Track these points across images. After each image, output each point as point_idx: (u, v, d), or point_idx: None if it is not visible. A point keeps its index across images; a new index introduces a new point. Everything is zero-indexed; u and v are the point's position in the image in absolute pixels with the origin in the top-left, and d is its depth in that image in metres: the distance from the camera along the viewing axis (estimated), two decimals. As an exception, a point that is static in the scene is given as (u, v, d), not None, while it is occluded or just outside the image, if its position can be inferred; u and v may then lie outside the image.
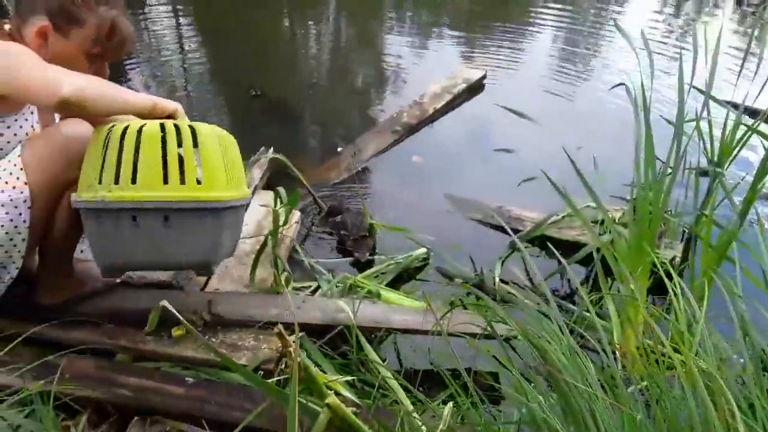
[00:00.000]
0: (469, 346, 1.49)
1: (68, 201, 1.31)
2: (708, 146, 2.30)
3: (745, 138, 2.29)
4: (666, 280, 1.42)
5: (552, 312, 1.17)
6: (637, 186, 1.83)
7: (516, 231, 2.16)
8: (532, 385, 1.10)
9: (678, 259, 1.95)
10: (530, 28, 4.65)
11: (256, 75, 3.51)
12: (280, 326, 1.04)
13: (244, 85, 3.32)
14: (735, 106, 2.17)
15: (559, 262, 2.09)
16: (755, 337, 1.17)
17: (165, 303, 1.45)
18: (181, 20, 4.41)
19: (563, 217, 2.14)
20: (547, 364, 0.90)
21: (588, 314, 1.69)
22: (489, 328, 1.33)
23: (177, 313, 1.17)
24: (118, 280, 1.63)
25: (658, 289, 1.75)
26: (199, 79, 3.63)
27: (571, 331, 1.38)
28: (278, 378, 1.38)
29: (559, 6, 5.14)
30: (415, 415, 1.24)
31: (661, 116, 2.16)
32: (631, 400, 0.90)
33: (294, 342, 1.02)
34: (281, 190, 1.87)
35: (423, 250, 2.02)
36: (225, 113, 3.26)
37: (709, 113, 2.23)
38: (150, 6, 4.41)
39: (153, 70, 3.58)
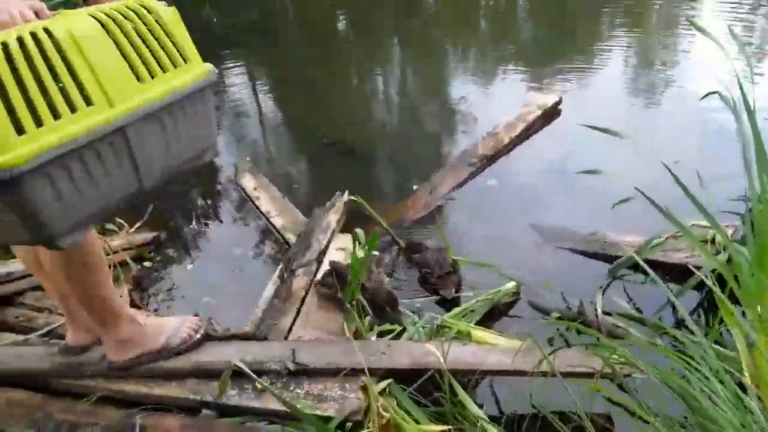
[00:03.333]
0: (575, 389, 1.34)
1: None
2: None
3: None
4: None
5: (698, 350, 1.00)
6: (753, 198, 1.63)
7: (614, 258, 1.98)
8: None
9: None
10: (599, 44, 4.48)
11: (327, 124, 3.55)
12: (364, 379, 0.94)
13: (317, 134, 3.35)
14: None
15: (669, 289, 1.89)
16: None
17: (244, 358, 1.41)
18: (255, 73, 4.58)
19: (667, 238, 1.94)
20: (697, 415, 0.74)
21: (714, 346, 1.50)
22: (607, 368, 1.17)
23: (249, 371, 1.09)
24: (198, 336, 1.57)
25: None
26: (274, 131, 3.71)
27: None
28: (368, 430, 1.28)
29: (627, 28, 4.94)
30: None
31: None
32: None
33: (379, 394, 0.92)
34: (359, 231, 1.81)
35: (512, 284, 1.88)
36: (299, 162, 3.29)
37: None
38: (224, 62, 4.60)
39: (228, 122, 3.71)
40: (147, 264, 2.32)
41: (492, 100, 3.73)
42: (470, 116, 3.53)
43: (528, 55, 4.42)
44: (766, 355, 1.45)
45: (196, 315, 1.64)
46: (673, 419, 0.99)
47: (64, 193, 1.02)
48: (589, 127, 2.08)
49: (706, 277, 1.64)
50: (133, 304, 2.05)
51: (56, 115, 1.00)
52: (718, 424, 0.75)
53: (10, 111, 0.95)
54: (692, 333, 1.58)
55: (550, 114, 3.14)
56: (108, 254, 2.23)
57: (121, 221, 2.46)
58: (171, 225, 2.63)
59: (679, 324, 1.74)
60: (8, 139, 0.94)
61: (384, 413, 0.85)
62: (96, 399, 1.43)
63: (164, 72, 1.14)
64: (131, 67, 1.10)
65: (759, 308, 1.47)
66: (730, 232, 1.93)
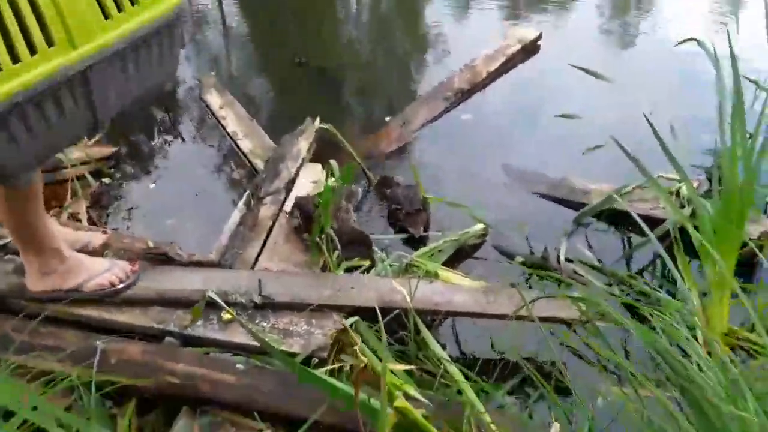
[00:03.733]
0: (534, 336, 1.38)
1: None
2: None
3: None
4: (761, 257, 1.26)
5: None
6: (724, 153, 1.64)
7: (582, 205, 2.00)
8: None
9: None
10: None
11: (299, 42, 3.38)
12: (344, 323, 0.93)
13: (288, 53, 3.20)
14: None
15: (629, 240, 1.94)
16: None
17: (210, 287, 1.39)
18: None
19: (634, 188, 1.96)
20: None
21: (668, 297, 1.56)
22: (583, 315, 1.20)
23: (224, 305, 1.08)
24: (121, 286, 1.47)
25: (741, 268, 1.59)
26: (241, 46, 3.52)
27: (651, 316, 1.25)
28: (332, 366, 1.30)
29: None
30: (482, 410, 1.13)
31: (744, 76, 1.92)
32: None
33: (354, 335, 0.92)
34: (334, 163, 1.76)
35: (480, 226, 1.89)
36: (269, 81, 3.15)
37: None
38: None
39: (194, 37, 3.50)
40: (106, 180, 2.23)
41: (468, 32, 3.60)
42: (445, 47, 3.42)
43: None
44: (719, 309, 1.52)
45: (134, 264, 1.53)
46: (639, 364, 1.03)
47: (19, 139, 0.98)
48: (574, 67, 2.04)
49: (672, 229, 1.69)
50: (91, 222, 1.99)
51: (15, 59, 0.93)
52: (694, 381, 0.78)
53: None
54: (647, 284, 1.65)
55: (530, 49, 3.07)
56: (65, 168, 2.14)
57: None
58: (132, 140, 2.51)
59: (639, 273, 1.79)
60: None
61: (362, 357, 0.85)
62: (53, 321, 1.40)
63: (132, 4, 1.05)
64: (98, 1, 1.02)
65: (716, 264, 1.52)
66: (696, 185, 1.97)
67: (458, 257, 1.83)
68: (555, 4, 3.85)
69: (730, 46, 1.74)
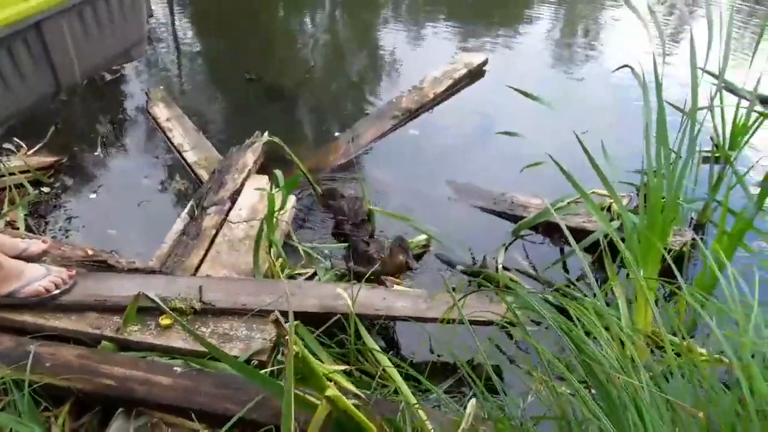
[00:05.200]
0: (472, 336, 1.42)
1: None
2: (720, 132, 2.23)
3: (756, 124, 2.23)
4: (675, 269, 1.35)
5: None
6: (649, 172, 1.76)
7: (520, 218, 2.08)
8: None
9: (689, 246, 1.87)
10: (529, 12, 4.56)
11: (251, 60, 3.42)
12: (277, 313, 0.95)
13: (239, 69, 3.23)
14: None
15: (562, 250, 2.03)
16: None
17: (148, 293, 1.38)
18: (175, 6, 4.30)
19: (568, 203, 2.06)
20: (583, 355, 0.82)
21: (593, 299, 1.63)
22: (511, 313, 1.25)
23: (161, 304, 1.08)
24: (57, 292, 1.45)
25: (665, 275, 1.69)
26: (191, 60, 3.53)
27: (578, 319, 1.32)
28: (272, 368, 1.31)
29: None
30: (417, 405, 1.16)
31: (667, 102, 2.06)
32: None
33: (287, 328, 0.94)
34: (278, 173, 1.79)
35: (423, 237, 1.95)
36: (220, 97, 3.16)
37: (722, 100, 2.16)
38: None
39: (144, 55, 3.48)
40: (45, 190, 2.19)
41: (419, 55, 3.72)
42: (396, 68, 3.52)
43: (459, 14, 4.41)
44: (642, 312, 1.61)
45: (70, 270, 1.51)
46: (561, 360, 1.08)
47: None
48: (514, 89, 2.14)
49: (598, 240, 1.78)
50: (29, 231, 1.94)
51: None
52: (600, 362, 0.84)
53: None
54: (579, 290, 1.72)
55: (476, 73, 3.19)
56: (3, 176, 2.08)
57: (20, 142, 2.29)
58: (74, 150, 2.47)
59: (573, 283, 1.87)
60: None
61: (294, 348, 0.87)
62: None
63: None
64: None
65: (641, 272, 1.61)
66: (625, 201, 2.08)
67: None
68: (505, 31, 4.02)
69: (656, 74, 1.87)
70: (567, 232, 1.62)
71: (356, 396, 1.16)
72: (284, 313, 1.45)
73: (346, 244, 1.91)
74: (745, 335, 0.96)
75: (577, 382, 0.91)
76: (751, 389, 0.85)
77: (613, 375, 0.78)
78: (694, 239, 1.90)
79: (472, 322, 1.37)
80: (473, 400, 1.08)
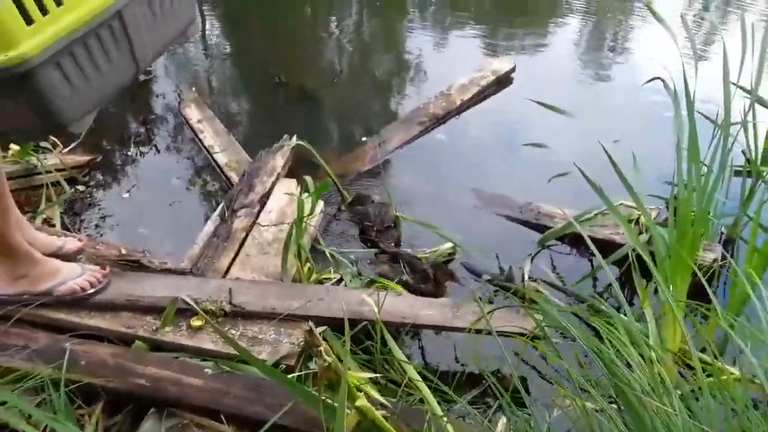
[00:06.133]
0: (498, 347, 1.43)
1: None
2: (752, 146, 2.20)
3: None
4: (706, 285, 1.34)
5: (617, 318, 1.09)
6: (680, 185, 1.75)
7: (546, 228, 2.08)
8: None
9: (719, 262, 1.85)
10: (558, 18, 4.53)
11: (279, 62, 3.45)
12: (311, 324, 0.97)
13: (268, 72, 3.26)
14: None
15: (591, 262, 2.02)
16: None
17: (183, 296, 1.41)
18: (204, 7, 4.36)
19: (596, 214, 2.05)
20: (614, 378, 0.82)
21: (622, 316, 1.62)
22: (540, 330, 1.25)
23: (196, 306, 1.11)
24: (91, 291, 1.50)
25: (695, 290, 1.67)
26: (222, 63, 3.58)
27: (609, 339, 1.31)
28: (299, 373, 1.33)
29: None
30: (444, 418, 1.17)
31: (699, 112, 2.04)
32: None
33: (320, 338, 0.95)
34: (308, 179, 1.81)
35: (449, 245, 1.95)
36: (248, 99, 3.20)
37: (754, 115, 2.13)
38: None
39: (175, 56, 3.54)
40: (80, 188, 2.24)
41: (446, 60, 3.72)
42: (424, 74, 3.52)
43: (487, 21, 4.40)
44: (672, 329, 1.60)
45: (104, 269, 1.55)
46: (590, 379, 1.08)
47: (72, 81, 1.10)
48: (537, 103, 2.14)
49: (631, 253, 1.77)
50: (64, 228, 1.99)
51: (58, 1, 1.06)
52: (630, 385, 0.84)
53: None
54: (608, 304, 1.71)
55: (504, 80, 3.18)
56: (40, 173, 2.14)
57: (56, 140, 2.35)
58: (108, 149, 2.53)
59: (600, 295, 1.86)
60: (20, 31, 0.99)
61: (327, 357, 0.88)
62: (25, 323, 1.41)
63: None
64: None
65: (671, 287, 1.60)
66: (654, 214, 2.06)
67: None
68: (532, 38, 4.00)
69: (686, 86, 1.85)
70: (592, 246, 1.61)
71: (382, 405, 1.18)
72: (312, 318, 1.50)
73: (375, 250, 1.92)
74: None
75: (606, 402, 0.91)
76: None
77: (646, 400, 0.78)
78: (724, 256, 1.88)
79: (500, 333, 1.37)
80: (503, 419, 1.09)
